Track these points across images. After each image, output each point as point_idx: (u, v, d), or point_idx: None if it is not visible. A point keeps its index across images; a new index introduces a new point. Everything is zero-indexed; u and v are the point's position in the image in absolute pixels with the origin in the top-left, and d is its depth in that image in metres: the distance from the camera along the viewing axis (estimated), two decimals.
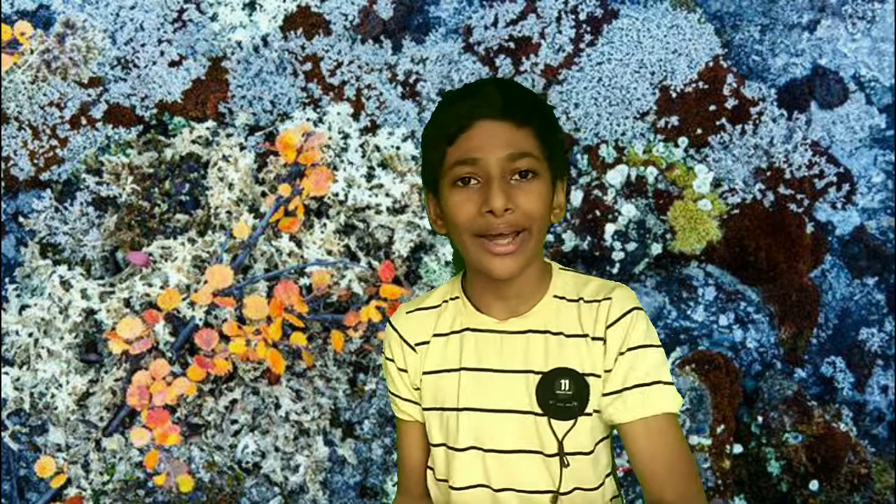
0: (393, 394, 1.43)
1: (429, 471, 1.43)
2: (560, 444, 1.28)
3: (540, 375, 1.29)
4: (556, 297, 1.33)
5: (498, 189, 1.21)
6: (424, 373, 1.37)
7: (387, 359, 1.42)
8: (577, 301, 1.32)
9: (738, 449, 2.67)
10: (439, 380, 1.36)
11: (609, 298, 1.29)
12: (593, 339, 1.29)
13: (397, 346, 1.40)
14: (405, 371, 1.40)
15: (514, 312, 1.33)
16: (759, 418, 2.67)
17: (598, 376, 1.28)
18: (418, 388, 1.39)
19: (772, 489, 2.65)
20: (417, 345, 1.38)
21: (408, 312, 1.40)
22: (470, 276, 1.36)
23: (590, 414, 1.29)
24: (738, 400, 2.67)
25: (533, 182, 1.24)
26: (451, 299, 1.39)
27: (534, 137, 1.24)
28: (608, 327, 1.28)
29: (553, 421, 1.28)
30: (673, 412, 1.27)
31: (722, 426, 2.62)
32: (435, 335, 1.37)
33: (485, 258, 1.25)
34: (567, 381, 1.28)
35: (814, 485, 2.61)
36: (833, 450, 2.62)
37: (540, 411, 1.29)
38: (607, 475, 1.35)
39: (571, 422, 1.28)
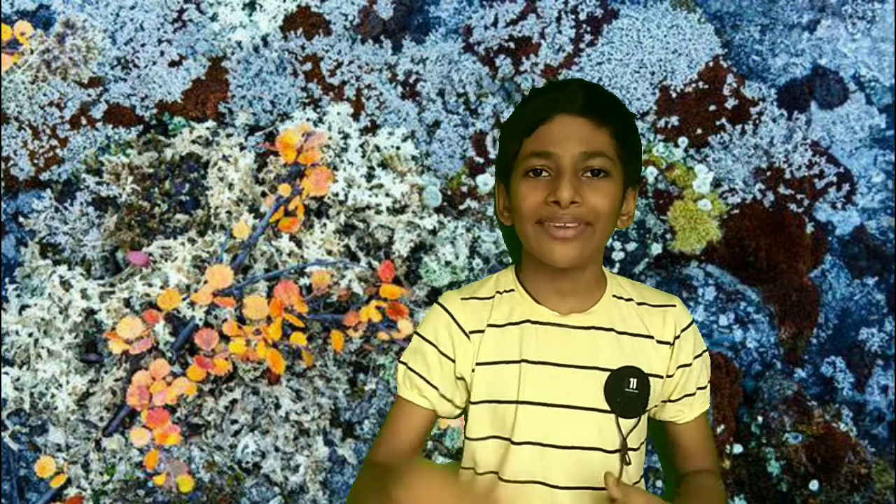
0: (420, 375, 1.34)
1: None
2: (624, 441, 1.30)
3: (607, 372, 1.30)
4: (614, 296, 1.35)
5: (567, 182, 1.23)
6: (478, 364, 1.32)
7: (426, 340, 1.34)
8: (639, 304, 1.36)
9: (738, 449, 2.67)
10: (496, 371, 1.32)
11: (673, 306, 1.37)
12: (659, 342, 1.34)
13: (446, 330, 1.33)
14: (448, 357, 1.33)
15: (574, 308, 1.33)
16: (759, 418, 2.67)
17: (661, 377, 1.34)
18: (461, 378, 1.34)
19: (772, 489, 2.65)
20: (472, 332, 1.33)
21: (463, 299, 1.36)
22: (528, 269, 1.35)
23: (646, 413, 1.34)
24: (738, 400, 2.67)
25: (603, 181, 1.26)
26: (506, 291, 1.36)
27: (610, 138, 1.26)
28: (677, 336, 1.35)
29: (619, 419, 1.30)
30: None
31: (722, 426, 2.62)
32: (490, 325, 1.33)
33: (545, 243, 1.26)
34: (635, 380, 1.31)
35: (814, 485, 2.61)
36: (833, 450, 2.62)
37: (607, 408, 1.30)
38: (641, 475, 1.37)
39: (636, 420, 1.31)
